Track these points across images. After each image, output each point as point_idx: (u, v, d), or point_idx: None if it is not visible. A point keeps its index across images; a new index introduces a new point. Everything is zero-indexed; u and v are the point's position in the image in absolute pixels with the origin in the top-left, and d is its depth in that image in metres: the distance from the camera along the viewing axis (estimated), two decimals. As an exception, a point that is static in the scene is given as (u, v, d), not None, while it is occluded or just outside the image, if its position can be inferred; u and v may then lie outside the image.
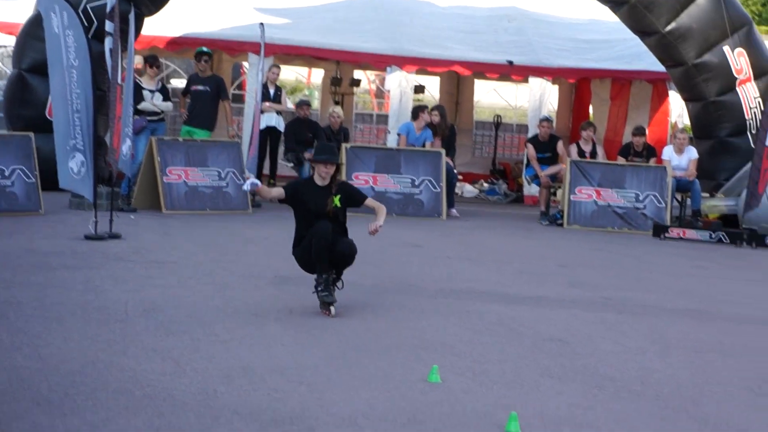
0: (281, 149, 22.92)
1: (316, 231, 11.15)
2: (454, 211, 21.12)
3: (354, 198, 11.67)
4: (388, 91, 27.03)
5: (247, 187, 11.37)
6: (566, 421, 8.02)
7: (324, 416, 7.74)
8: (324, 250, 10.99)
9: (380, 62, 25.91)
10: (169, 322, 10.51)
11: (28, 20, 20.78)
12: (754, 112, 22.18)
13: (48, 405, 7.52)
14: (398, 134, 22.93)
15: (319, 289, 11.12)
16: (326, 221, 11.02)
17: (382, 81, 30.57)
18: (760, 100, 22.02)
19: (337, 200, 11.18)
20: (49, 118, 19.27)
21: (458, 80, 29.98)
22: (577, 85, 29.22)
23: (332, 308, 11.25)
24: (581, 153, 22.03)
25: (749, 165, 21.23)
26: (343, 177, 20.11)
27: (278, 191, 11.52)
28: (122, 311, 10.92)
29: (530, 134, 24.11)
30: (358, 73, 30.62)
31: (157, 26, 22.80)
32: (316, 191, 11.22)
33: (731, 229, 21.01)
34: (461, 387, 8.88)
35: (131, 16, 18.28)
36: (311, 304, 11.97)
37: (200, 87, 21.32)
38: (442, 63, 25.91)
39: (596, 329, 11.66)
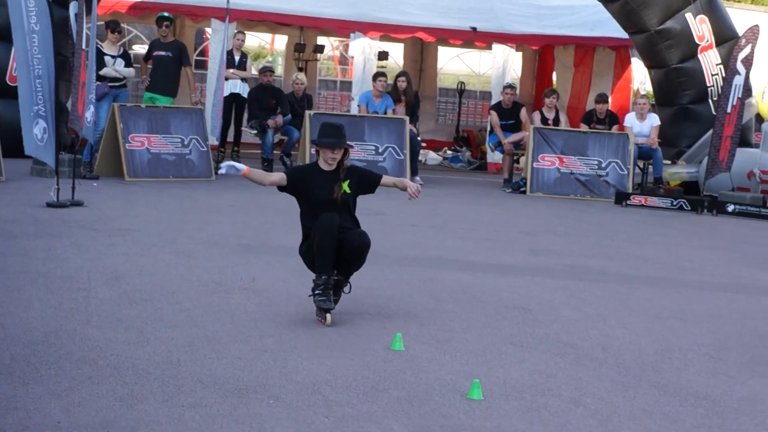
0: (246, 118, 22.74)
1: (321, 224, 9.65)
2: (417, 178, 20.91)
3: (368, 180, 10.23)
4: (352, 58, 27.18)
5: (223, 170, 9.75)
6: (528, 389, 8.08)
7: (288, 384, 7.78)
8: (329, 248, 9.56)
9: (344, 28, 25.95)
10: (132, 291, 10.47)
11: None
12: (716, 79, 22.41)
13: (10, 375, 7.54)
14: (358, 106, 23.08)
15: (317, 292, 9.62)
16: (333, 213, 9.55)
17: (346, 47, 30.74)
18: (721, 67, 22.23)
19: (346, 186, 9.74)
20: (9, 83, 19.55)
21: (422, 47, 30.06)
22: (541, 52, 29.38)
23: (328, 316, 9.77)
24: (544, 120, 22.12)
25: (710, 132, 21.61)
26: (307, 151, 20.31)
27: (278, 177, 9.90)
28: (85, 280, 10.88)
29: (494, 101, 24.15)
30: (321, 40, 30.67)
31: None
32: (322, 177, 9.70)
33: (692, 196, 21.19)
34: (424, 355, 8.97)
35: None
36: (275, 273, 12.07)
37: (162, 53, 21.35)
38: (406, 29, 25.96)
39: (558, 296, 11.72)
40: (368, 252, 9.65)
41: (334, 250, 9.53)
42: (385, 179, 10.38)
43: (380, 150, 20.97)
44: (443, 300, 11.27)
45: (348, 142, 9.84)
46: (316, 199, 9.61)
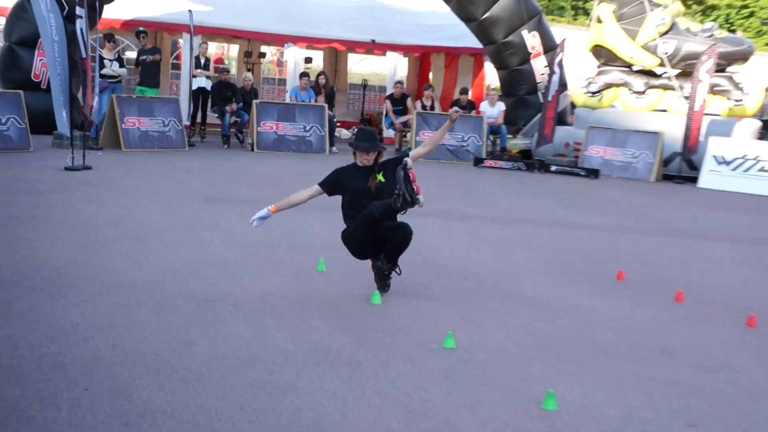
0: (210, 105, 22.71)
1: (359, 218, 8.22)
2: (334, 149, 21.19)
3: (396, 163, 8.19)
4: (286, 62, 27.03)
5: (256, 225, 8.42)
6: (411, 296, 8.35)
7: (243, 296, 7.98)
8: (365, 238, 8.20)
9: (280, 40, 25.82)
10: (128, 231, 10.53)
11: (14, 5, 20.33)
12: (543, 77, 22.80)
13: (40, 291, 7.69)
14: (290, 97, 23.14)
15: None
16: (375, 202, 7.96)
17: (282, 54, 30.35)
18: (546, 68, 22.53)
19: (380, 176, 8.24)
20: (34, 80, 19.54)
21: (336, 54, 29.87)
22: (421, 57, 29.10)
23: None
24: (424, 107, 22.18)
25: (539, 115, 22.02)
26: (254, 129, 20.43)
27: (311, 191, 8.51)
28: (94, 223, 10.95)
29: (388, 93, 24.17)
30: (264, 48, 30.58)
31: (114, 11, 22.40)
32: (359, 172, 8.37)
33: (527, 160, 21.49)
34: (340, 273, 9.15)
35: (97, 4, 18.54)
36: (232, 216, 12.11)
37: (144, 57, 21.33)
38: (324, 41, 25.99)
39: (432, 231, 11.89)
40: (411, 241, 8.06)
41: (367, 241, 8.12)
42: (413, 152, 8.61)
43: (307, 128, 20.96)
44: None
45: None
46: (353, 189, 8.23)
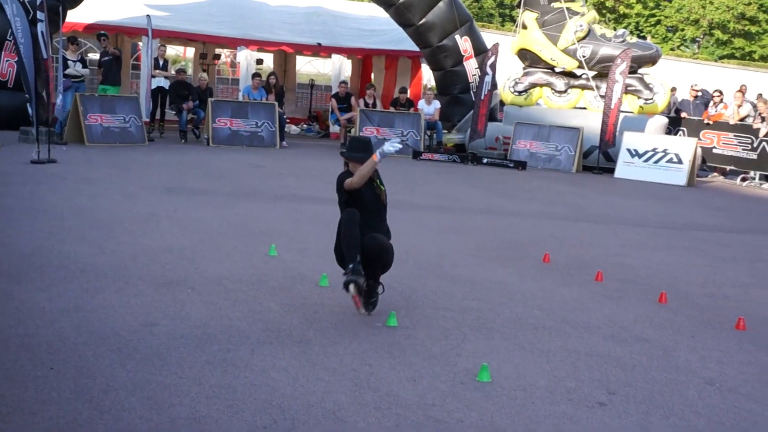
0: (168, 103, 22.34)
1: (343, 218, 7.30)
2: (284, 143, 20.92)
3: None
4: (239, 63, 26.70)
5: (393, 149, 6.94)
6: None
7: (200, 279, 7.95)
8: (353, 237, 7.06)
9: (233, 43, 25.72)
10: (91, 219, 10.40)
11: None
12: (475, 78, 22.81)
13: (8, 276, 7.62)
14: (243, 96, 23.00)
15: (345, 278, 6.93)
16: (353, 209, 7.06)
17: (235, 56, 30.10)
18: (478, 70, 22.61)
19: (380, 183, 7.35)
20: (0, 79, 19.33)
21: (285, 56, 29.79)
22: (363, 59, 29.12)
23: (351, 287, 6.97)
24: (366, 105, 21.99)
25: (472, 112, 22.05)
26: (210, 126, 20.28)
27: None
28: (59, 212, 10.80)
29: (333, 92, 24.04)
30: (218, 50, 30.28)
31: (76, 16, 22.17)
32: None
33: (461, 153, 21.49)
34: (291, 258, 9.15)
35: (60, 9, 18.43)
36: (189, 206, 11.96)
37: (107, 58, 21.06)
38: (274, 44, 26.08)
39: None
40: (387, 254, 7.15)
41: (357, 239, 6.97)
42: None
43: (259, 124, 20.77)
44: (302, 222, 11.43)
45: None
46: (363, 202, 7.12)
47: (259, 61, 27.37)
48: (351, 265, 6.69)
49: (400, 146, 6.60)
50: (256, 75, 23.57)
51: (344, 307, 7.37)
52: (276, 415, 5.08)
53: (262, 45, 26.08)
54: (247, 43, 25.21)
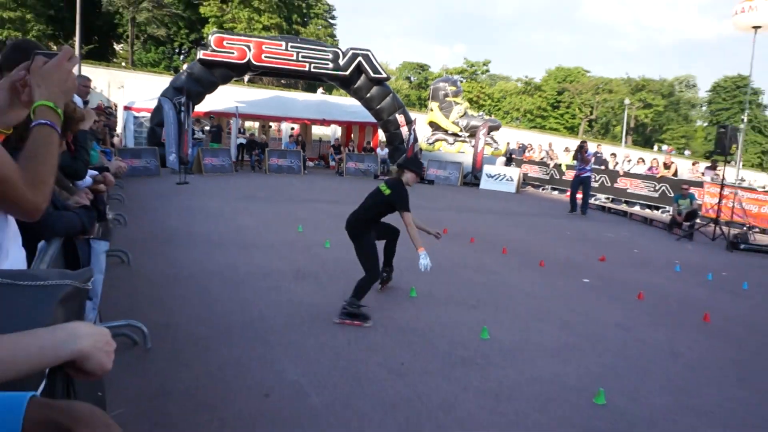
0: (245, 151, 21.39)
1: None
2: (306, 171, 19.28)
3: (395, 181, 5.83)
4: (282, 129, 26.82)
5: (426, 267, 5.13)
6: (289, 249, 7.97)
7: (262, 243, 7.77)
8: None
9: (278, 119, 25.08)
10: (207, 212, 10.00)
11: (155, 107, 19.52)
12: (406, 136, 21.72)
13: (162, 241, 7.46)
14: (284, 146, 21.58)
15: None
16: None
17: (279, 125, 28.00)
18: (408, 132, 21.55)
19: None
20: (162, 142, 18.71)
21: (306, 126, 27.37)
22: (347, 126, 25.98)
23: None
24: (349, 150, 21.15)
25: (405, 155, 20.47)
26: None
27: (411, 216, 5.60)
28: (192, 208, 10.49)
29: (331, 144, 24.74)
30: (271, 123, 27.85)
31: (199, 107, 21.55)
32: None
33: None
34: (309, 233, 8.78)
35: (190, 104, 17.91)
36: (257, 205, 11.32)
37: (214, 128, 20.82)
38: (300, 119, 24.79)
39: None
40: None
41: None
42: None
43: (292, 161, 19.71)
44: (316, 213, 10.83)
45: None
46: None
47: (292, 128, 27.36)
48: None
49: (428, 265, 5.10)
50: (291, 135, 23.83)
51: (338, 258, 7.41)
52: (300, 314, 5.23)
53: (294, 120, 25.67)
54: (286, 119, 25.08)
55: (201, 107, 22.13)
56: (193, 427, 3.25)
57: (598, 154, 21.47)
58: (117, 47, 56.18)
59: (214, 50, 19.78)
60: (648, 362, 4.88)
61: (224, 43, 19.97)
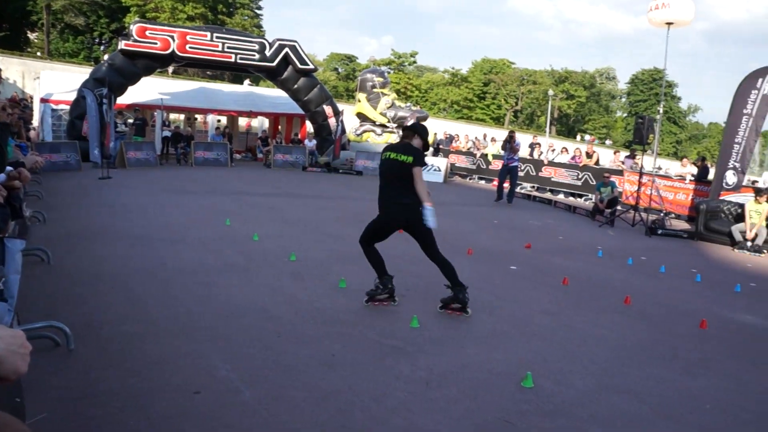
0: (170, 144, 21.14)
1: None
2: (233, 164, 19.23)
3: None
4: (208, 122, 24.85)
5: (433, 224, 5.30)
6: (276, 236, 8.47)
7: (190, 239, 7.83)
8: None
9: (204, 111, 24.74)
10: (132, 207, 9.63)
11: (74, 99, 19.16)
12: (334, 127, 22.02)
13: (86, 238, 7.28)
14: (210, 139, 21.98)
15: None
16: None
17: (205, 118, 26.41)
18: (335, 124, 21.91)
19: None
20: (83, 135, 18.15)
21: (233, 117, 27.25)
22: (275, 118, 26.38)
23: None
24: (277, 142, 21.71)
25: (332, 146, 21.65)
26: None
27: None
28: (114, 203, 10.22)
29: (259, 135, 24.33)
30: (197, 115, 27.15)
31: (121, 99, 21.23)
32: None
33: (328, 167, 20.50)
34: (239, 225, 8.77)
35: (112, 96, 17.66)
36: (181, 197, 10.99)
37: (138, 122, 20.57)
38: (227, 111, 25.05)
39: (282, 204, 11.47)
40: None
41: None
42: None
43: (219, 154, 19.47)
44: (243, 205, 10.77)
45: None
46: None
47: (219, 120, 26.64)
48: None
49: (433, 222, 5.22)
50: (217, 128, 23.63)
51: (267, 250, 7.60)
52: (229, 308, 5.47)
53: (220, 112, 25.45)
54: (212, 111, 24.77)
55: (124, 99, 21.80)
56: (120, 428, 3.18)
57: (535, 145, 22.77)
58: (31, 36, 54.39)
59: (136, 40, 19.46)
60: (573, 345, 5.02)
61: (147, 33, 19.68)
